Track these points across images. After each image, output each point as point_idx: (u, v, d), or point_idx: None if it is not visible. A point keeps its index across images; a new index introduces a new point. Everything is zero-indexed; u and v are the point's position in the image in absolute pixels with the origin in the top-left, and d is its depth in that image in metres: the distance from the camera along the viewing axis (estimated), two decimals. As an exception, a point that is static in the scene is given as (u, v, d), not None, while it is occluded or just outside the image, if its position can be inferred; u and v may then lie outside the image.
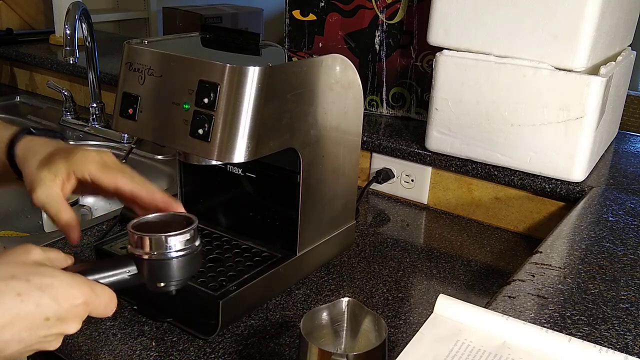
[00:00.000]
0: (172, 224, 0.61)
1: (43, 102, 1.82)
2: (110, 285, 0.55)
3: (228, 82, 0.70)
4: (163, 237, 0.58)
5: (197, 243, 0.61)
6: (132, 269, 0.58)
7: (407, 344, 0.58)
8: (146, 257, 0.58)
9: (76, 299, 0.48)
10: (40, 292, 0.45)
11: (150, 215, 0.63)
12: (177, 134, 0.73)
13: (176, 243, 0.58)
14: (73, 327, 0.49)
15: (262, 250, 0.89)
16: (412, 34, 1.28)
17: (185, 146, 0.74)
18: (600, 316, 0.69)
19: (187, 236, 0.60)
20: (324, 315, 0.69)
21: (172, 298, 0.82)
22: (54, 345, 0.49)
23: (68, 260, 0.54)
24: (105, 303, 0.51)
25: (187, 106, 0.72)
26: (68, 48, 1.51)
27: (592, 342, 0.58)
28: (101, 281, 0.54)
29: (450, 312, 0.62)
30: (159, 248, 0.58)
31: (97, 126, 1.51)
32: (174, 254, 0.58)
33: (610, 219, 0.94)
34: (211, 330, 0.78)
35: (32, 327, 0.45)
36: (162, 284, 0.59)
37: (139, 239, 0.58)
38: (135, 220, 0.61)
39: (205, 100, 0.70)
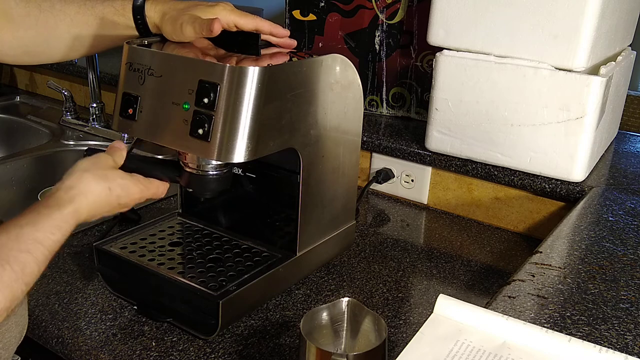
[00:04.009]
0: None
1: (43, 102, 1.82)
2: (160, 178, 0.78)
3: (228, 82, 0.70)
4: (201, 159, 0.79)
5: (225, 170, 0.80)
6: (177, 175, 0.80)
7: (407, 344, 0.58)
8: (188, 170, 0.79)
9: (136, 195, 0.74)
10: (119, 188, 0.72)
11: None
12: (177, 134, 0.73)
13: (211, 165, 0.78)
14: (132, 205, 0.75)
15: (262, 250, 0.89)
16: (412, 34, 1.28)
17: (185, 146, 0.74)
18: (600, 316, 0.69)
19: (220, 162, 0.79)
20: (324, 315, 0.69)
21: (172, 298, 0.82)
22: (122, 210, 0.75)
23: (119, 160, 0.76)
24: (153, 192, 0.76)
25: (187, 106, 0.72)
26: (68, 48, 1.51)
27: (592, 342, 0.58)
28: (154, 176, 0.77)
29: (450, 312, 0.62)
30: (199, 166, 0.78)
31: (97, 126, 1.51)
32: (210, 173, 0.79)
33: (610, 219, 0.94)
34: (211, 330, 0.78)
35: (110, 205, 0.72)
36: (191, 190, 0.82)
37: (185, 156, 0.79)
38: None
39: (205, 100, 0.70)
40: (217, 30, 0.76)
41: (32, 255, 0.60)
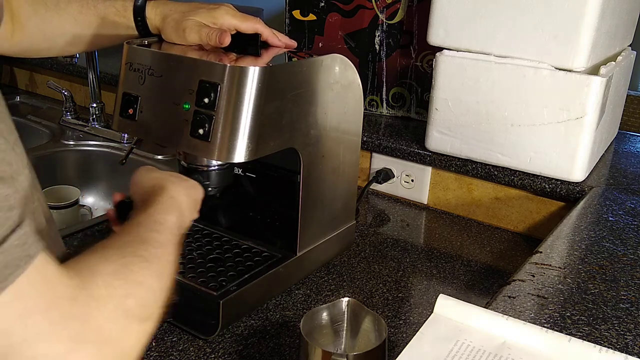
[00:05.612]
0: None
1: (43, 102, 1.82)
2: None
3: (228, 82, 0.70)
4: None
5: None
6: (199, 177, 0.81)
7: (407, 344, 0.58)
8: (204, 168, 0.82)
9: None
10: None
11: None
12: (177, 134, 0.73)
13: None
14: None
15: (262, 250, 0.89)
16: (412, 34, 1.28)
17: (185, 146, 0.74)
18: (600, 316, 0.69)
19: None
20: (324, 315, 0.69)
21: (171, 298, 0.82)
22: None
23: None
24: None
25: (187, 106, 0.72)
26: (68, 48, 1.51)
27: (592, 342, 0.58)
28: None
29: (450, 312, 0.62)
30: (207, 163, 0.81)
31: (97, 126, 1.51)
32: (213, 168, 0.82)
33: (610, 219, 0.94)
34: (211, 330, 0.78)
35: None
36: (209, 189, 0.83)
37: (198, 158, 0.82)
38: None
39: (206, 100, 0.70)
40: (227, 43, 0.77)
41: (160, 234, 0.58)
